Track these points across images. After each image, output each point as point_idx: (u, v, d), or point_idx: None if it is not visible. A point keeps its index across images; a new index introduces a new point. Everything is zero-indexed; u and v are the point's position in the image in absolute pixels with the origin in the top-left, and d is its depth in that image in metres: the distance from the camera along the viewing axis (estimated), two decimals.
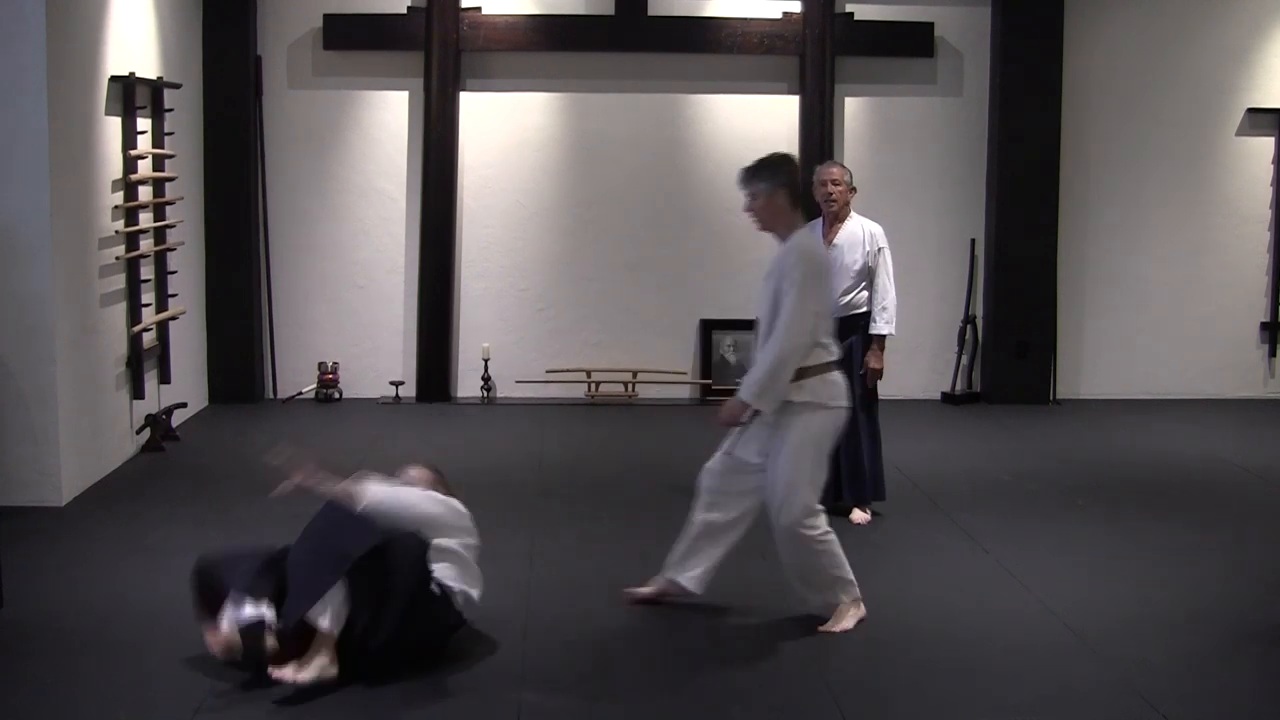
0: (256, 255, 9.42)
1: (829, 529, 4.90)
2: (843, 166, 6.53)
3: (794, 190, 4.86)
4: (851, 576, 4.93)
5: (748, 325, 9.68)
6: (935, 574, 5.60)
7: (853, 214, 6.45)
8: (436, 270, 9.58)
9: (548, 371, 9.69)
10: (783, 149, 9.64)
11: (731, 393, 9.58)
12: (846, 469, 6.38)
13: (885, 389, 6.66)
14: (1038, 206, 9.64)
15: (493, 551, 5.81)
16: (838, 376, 4.86)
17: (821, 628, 4.91)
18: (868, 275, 6.38)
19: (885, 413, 6.59)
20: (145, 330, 7.65)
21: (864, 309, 6.42)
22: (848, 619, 4.93)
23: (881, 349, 6.39)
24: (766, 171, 4.86)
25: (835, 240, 6.39)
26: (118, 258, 7.34)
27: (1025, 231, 9.66)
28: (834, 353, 4.87)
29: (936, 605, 5.18)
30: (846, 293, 6.37)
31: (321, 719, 4.12)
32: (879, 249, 6.37)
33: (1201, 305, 9.99)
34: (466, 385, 9.75)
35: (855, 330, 6.41)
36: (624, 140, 9.72)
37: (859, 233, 6.39)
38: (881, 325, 6.35)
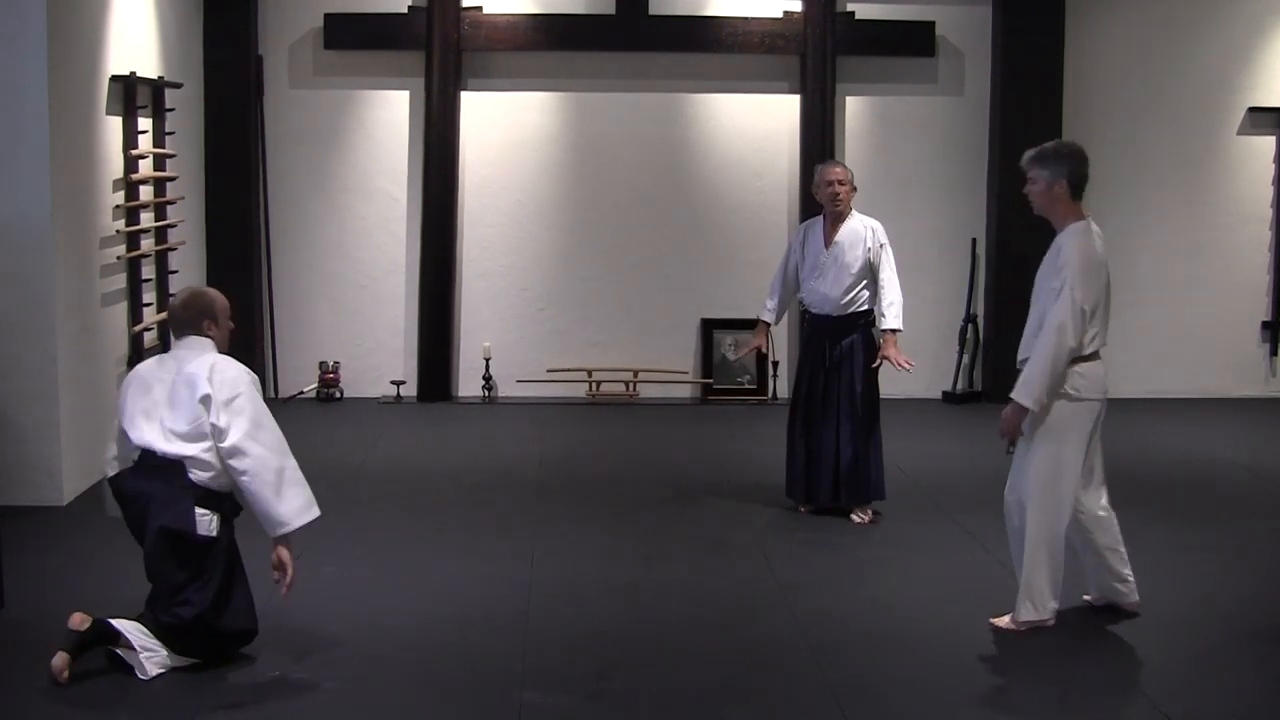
0: (257, 255, 9.42)
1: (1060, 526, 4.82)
2: (844, 166, 6.53)
3: (1076, 183, 4.78)
4: (1043, 587, 4.82)
5: (748, 325, 9.70)
6: (936, 573, 5.60)
7: (853, 212, 6.44)
8: (437, 269, 9.58)
9: (548, 371, 9.69)
10: (784, 148, 9.80)
11: (733, 392, 9.71)
12: (846, 468, 6.38)
13: (886, 388, 6.65)
14: None
15: (493, 551, 5.83)
16: (1090, 368, 4.80)
17: (994, 619, 4.91)
18: (869, 273, 6.37)
19: (886, 412, 6.58)
20: (146, 330, 7.65)
21: (865, 307, 6.41)
22: (1011, 621, 4.89)
23: (896, 340, 6.36)
24: (1050, 160, 4.80)
25: (837, 238, 6.38)
26: (119, 257, 7.34)
27: (1026, 230, 9.53)
28: (1095, 343, 4.80)
29: (938, 605, 5.18)
30: (847, 291, 6.36)
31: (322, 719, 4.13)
32: (881, 245, 6.37)
33: (1202, 304, 9.98)
34: (467, 385, 9.75)
35: (854, 329, 6.40)
36: (625, 139, 9.72)
37: (860, 230, 6.38)
38: (892, 319, 6.34)
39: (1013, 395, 4.78)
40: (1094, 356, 4.81)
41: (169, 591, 4.30)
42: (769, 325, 6.74)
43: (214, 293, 4.77)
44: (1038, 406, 4.72)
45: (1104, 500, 5.02)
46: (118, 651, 4.28)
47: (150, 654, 4.28)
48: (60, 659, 4.18)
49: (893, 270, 6.37)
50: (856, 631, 4.89)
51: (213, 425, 4.30)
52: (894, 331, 6.34)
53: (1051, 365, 4.68)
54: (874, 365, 6.36)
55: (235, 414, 4.32)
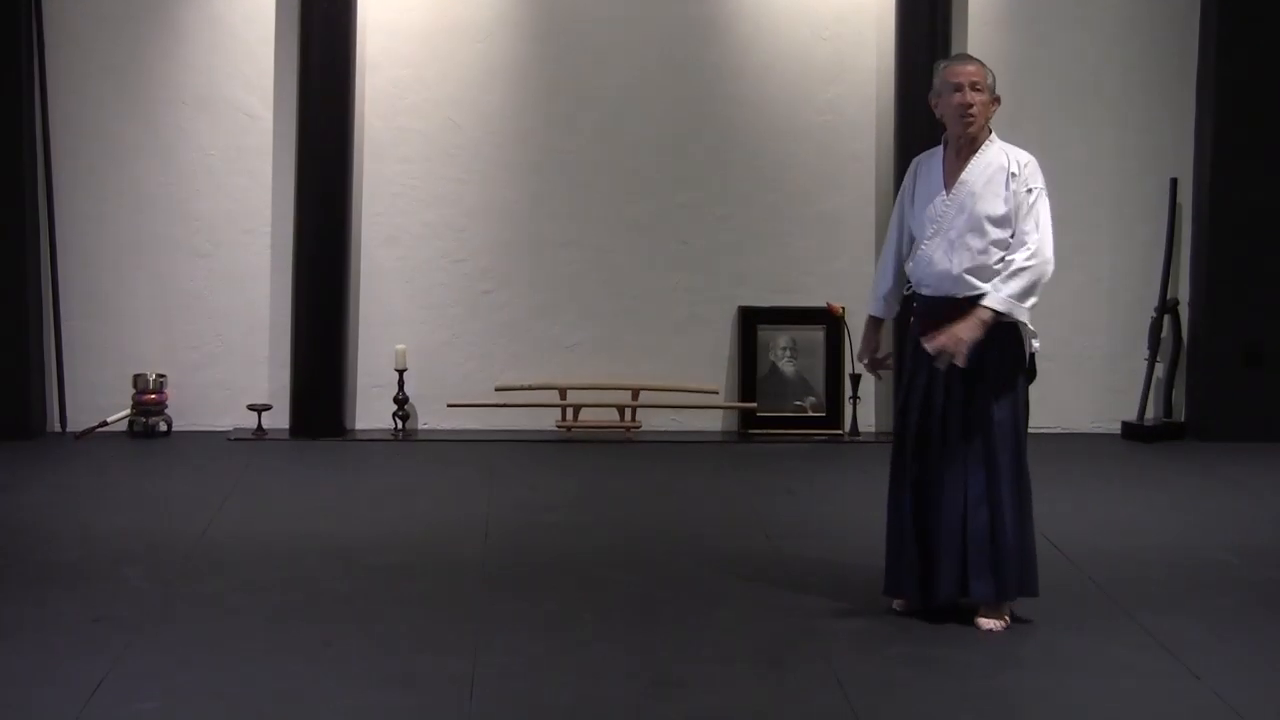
0: (32, 203, 9.44)
1: None
2: (981, 63, 6.49)
3: None
4: None
5: (809, 317, 9.72)
6: (1111, 712, 5.58)
7: (993, 136, 6.41)
8: (322, 229, 9.60)
9: (498, 390, 9.71)
10: (870, 37, 9.81)
11: (788, 423, 9.69)
12: (977, 545, 6.31)
13: (1036, 418, 6.61)
14: (1279, 133, 9.64)
15: (410, 674, 5.81)
16: None
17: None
18: (1009, 230, 6.31)
19: (1037, 455, 6.55)
20: None
21: None
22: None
23: (983, 324, 6.18)
24: None
25: (964, 176, 6.33)
26: None
27: (1260, 170, 9.66)
28: None
29: None
30: (976, 258, 6.25)
31: None
32: (1029, 190, 6.32)
33: None
34: (369, 411, 9.77)
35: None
36: (620, 23, 9.75)
37: (1002, 163, 6.33)
38: (996, 296, 6.16)
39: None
40: None
41: None
42: (880, 321, 6.68)
43: None
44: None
45: None
46: None
47: None
48: None
49: (1038, 227, 6.26)
50: None
51: None
52: (994, 313, 6.18)
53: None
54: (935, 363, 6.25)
55: None
